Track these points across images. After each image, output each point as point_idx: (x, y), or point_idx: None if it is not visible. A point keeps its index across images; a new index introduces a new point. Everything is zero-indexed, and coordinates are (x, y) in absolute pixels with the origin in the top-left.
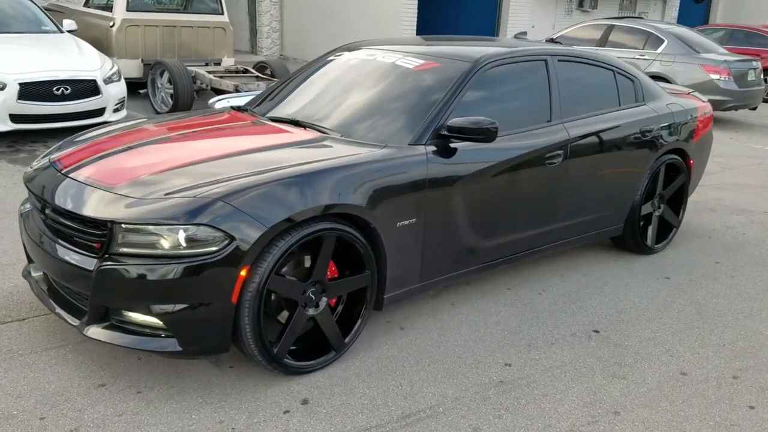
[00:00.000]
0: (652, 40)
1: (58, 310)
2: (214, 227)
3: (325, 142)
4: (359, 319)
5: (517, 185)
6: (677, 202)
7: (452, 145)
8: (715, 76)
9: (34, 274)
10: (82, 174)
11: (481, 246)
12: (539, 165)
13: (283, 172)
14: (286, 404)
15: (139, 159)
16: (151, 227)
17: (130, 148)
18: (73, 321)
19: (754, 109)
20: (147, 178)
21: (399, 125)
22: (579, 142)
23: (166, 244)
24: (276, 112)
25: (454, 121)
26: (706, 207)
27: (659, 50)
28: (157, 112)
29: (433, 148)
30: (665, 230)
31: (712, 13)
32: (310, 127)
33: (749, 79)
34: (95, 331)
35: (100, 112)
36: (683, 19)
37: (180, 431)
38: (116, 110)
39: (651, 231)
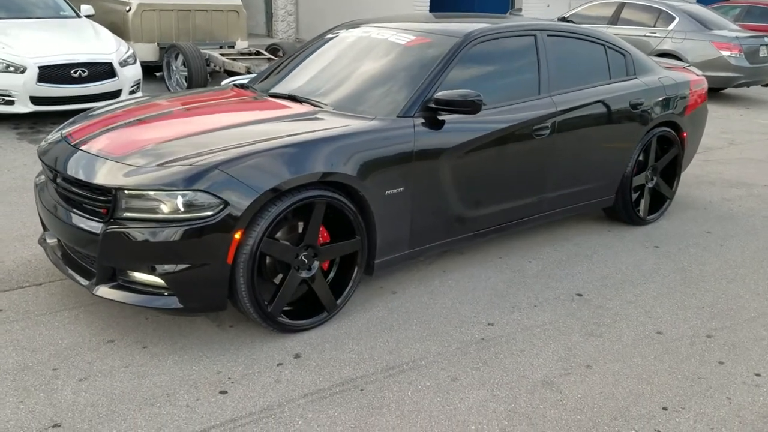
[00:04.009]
0: (663, 17)
1: (71, 272)
2: (209, 193)
3: (317, 115)
4: (351, 282)
5: (504, 156)
6: (671, 174)
7: (440, 117)
8: (725, 53)
9: (48, 241)
10: (90, 146)
11: (470, 215)
12: (527, 137)
13: (275, 142)
14: (280, 358)
15: (143, 132)
16: (151, 193)
17: (136, 122)
18: (84, 282)
19: (766, 85)
20: (149, 149)
21: (389, 99)
22: (567, 114)
23: (165, 208)
24: (275, 89)
25: (441, 93)
26: (706, 180)
27: (670, 27)
28: None
29: (422, 120)
30: (659, 202)
31: None
32: (305, 102)
33: (761, 55)
34: (104, 291)
35: (116, 93)
36: None
37: (181, 380)
38: (132, 92)
39: (644, 202)
